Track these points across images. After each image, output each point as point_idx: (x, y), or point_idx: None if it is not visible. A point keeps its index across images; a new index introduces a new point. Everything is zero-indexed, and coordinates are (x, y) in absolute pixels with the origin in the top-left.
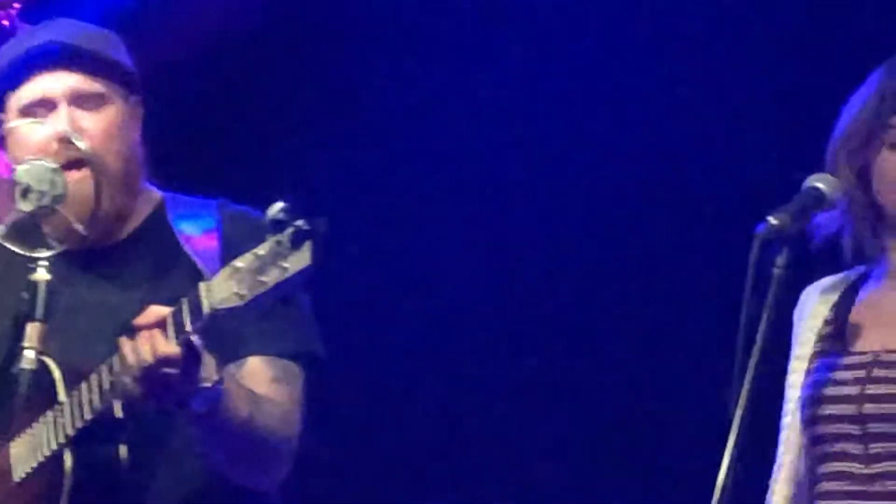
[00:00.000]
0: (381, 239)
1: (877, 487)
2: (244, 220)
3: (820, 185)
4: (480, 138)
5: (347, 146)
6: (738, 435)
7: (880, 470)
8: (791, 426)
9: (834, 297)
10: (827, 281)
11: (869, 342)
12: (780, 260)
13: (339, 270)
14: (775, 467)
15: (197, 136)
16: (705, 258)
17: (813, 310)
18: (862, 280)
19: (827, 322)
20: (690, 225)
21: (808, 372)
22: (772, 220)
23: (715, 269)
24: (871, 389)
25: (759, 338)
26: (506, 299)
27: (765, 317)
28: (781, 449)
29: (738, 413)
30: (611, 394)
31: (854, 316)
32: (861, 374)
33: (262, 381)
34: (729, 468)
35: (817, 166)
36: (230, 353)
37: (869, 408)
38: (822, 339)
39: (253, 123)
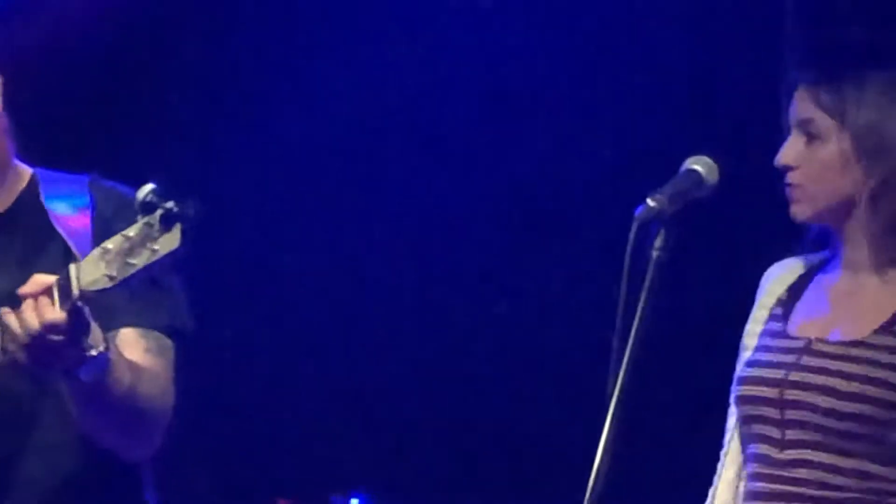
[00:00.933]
0: (252, 226)
1: (789, 474)
2: (116, 198)
3: (697, 168)
4: (353, 129)
5: (220, 129)
6: (614, 421)
7: (793, 457)
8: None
9: (791, 279)
10: (790, 261)
11: (806, 329)
12: (658, 242)
13: (210, 256)
14: (724, 443)
15: (70, 113)
16: (585, 241)
17: (769, 289)
18: (822, 265)
19: (779, 302)
20: (569, 209)
21: (756, 349)
22: (650, 202)
23: (594, 251)
24: (795, 376)
25: (636, 320)
26: (379, 289)
27: (642, 299)
28: (729, 423)
29: (615, 397)
30: (490, 381)
31: (803, 302)
32: (791, 359)
33: (136, 352)
34: (604, 453)
35: (695, 148)
36: (103, 324)
37: (791, 394)
38: (771, 318)
39: (126, 103)
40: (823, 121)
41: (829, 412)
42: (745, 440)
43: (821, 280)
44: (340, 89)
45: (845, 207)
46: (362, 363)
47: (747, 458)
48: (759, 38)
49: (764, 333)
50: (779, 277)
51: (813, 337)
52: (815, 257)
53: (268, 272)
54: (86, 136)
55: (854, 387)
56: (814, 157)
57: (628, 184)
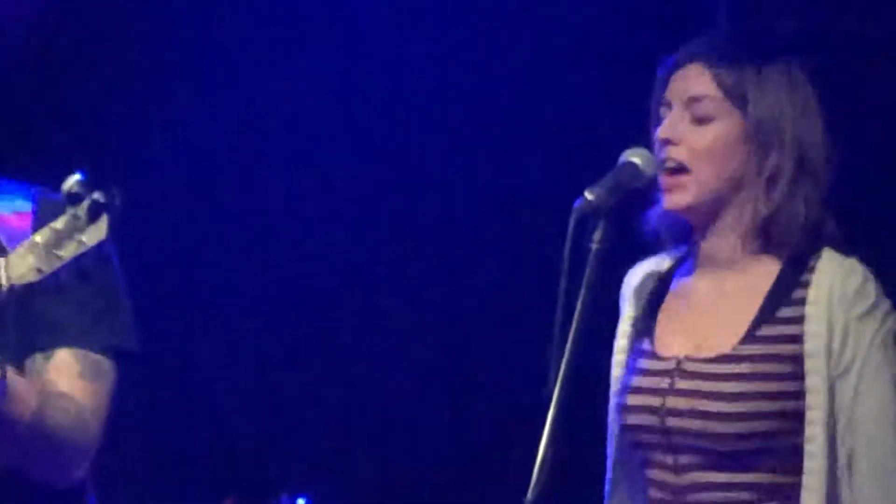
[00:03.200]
0: (189, 229)
1: (688, 498)
2: (60, 208)
3: (635, 160)
4: (294, 130)
5: (157, 129)
6: (556, 415)
7: (691, 481)
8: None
9: (651, 285)
10: (649, 263)
11: (673, 346)
12: (597, 235)
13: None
14: (608, 464)
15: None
16: (524, 234)
17: (631, 299)
18: (679, 263)
19: (642, 315)
20: (508, 204)
21: (624, 366)
22: (588, 195)
23: (533, 244)
24: (672, 402)
25: (576, 314)
26: (325, 291)
27: (582, 293)
28: (612, 447)
29: (556, 393)
30: (433, 380)
31: (665, 312)
32: (664, 383)
33: (67, 376)
34: (546, 449)
35: (634, 141)
36: (42, 341)
37: (672, 421)
38: (636, 335)
39: (55, 98)
40: (718, 101)
41: (714, 436)
42: (639, 465)
43: (678, 285)
44: (275, 89)
45: (728, 195)
46: (310, 365)
47: (643, 481)
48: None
49: (634, 352)
50: (639, 285)
51: (682, 356)
52: (672, 254)
53: (211, 274)
54: (10, 137)
55: (731, 406)
56: (702, 136)
57: (566, 177)
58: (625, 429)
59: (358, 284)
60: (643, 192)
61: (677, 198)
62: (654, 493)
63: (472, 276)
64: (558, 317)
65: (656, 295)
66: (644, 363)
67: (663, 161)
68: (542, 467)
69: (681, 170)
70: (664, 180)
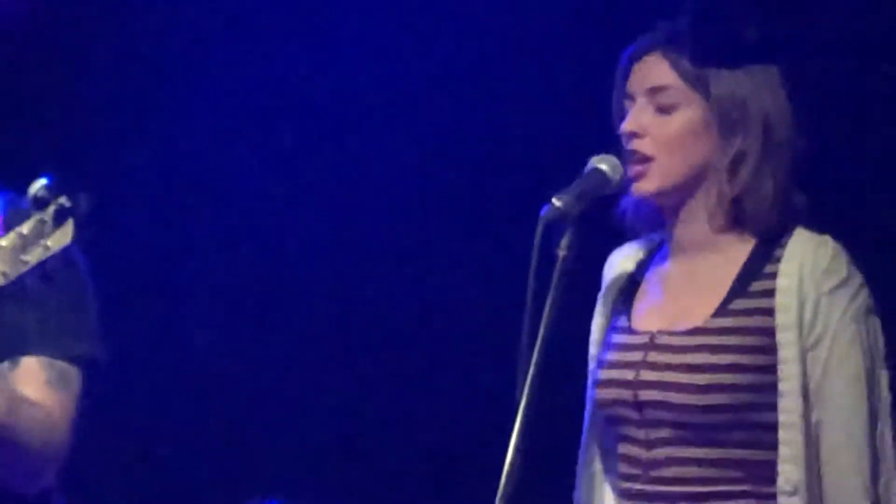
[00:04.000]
0: (150, 230)
1: (659, 473)
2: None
3: (602, 167)
4: (247, 130)
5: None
6: (524, 421)
7: (661, 455)
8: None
9: (632, 267)
10: (628, 248)
11: (648, 321)
12: (564, 242)
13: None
14: (583, 441)
15: None
16: (492, 242)
17: (612, 280)
18: (656, 249)
19: (621, 294)
20: (476, 211)
21: (601, 347)
22: (555, 202)
23: (502, 253)
24: (645, 375)
25: (544, 320)
26: (289, 294)
27: (550, 299)
28: (587, 423)
29: (524, 398)
30: (401, 387)
31: (642, 292)
32: (638, 357)
33: (34, 384)
34: (515, 454)
35: (603, 147)
36: (8, 348)
37: (644, 394)
38: (614, 313)
39: (25, 102)
40: (680, 88)
41: (684, 408)
42: (611, 440)
43: (655, 268)
44: (247, 90)
45: (695, 180)
46: (280, 370)
47: (615, 458)
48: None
49: (611, 329)
50: (620, 266)
51: (655, 330)
52: (651, 240)
53: (173, 276)
54: None
55: (702, 378)
56: (667, 126)
57: (534, 184)
58: (599, 404)
59: (328, 289)
60: (611, 199)
61: (644, 185)
62: (625, 469)
63: (440, 283)
64: (526, 323)
65: (636, 277)
66: (620, 338)
67: (630, 153)
68: (511, 471)
69: (646, 159)
70: (631, 169)
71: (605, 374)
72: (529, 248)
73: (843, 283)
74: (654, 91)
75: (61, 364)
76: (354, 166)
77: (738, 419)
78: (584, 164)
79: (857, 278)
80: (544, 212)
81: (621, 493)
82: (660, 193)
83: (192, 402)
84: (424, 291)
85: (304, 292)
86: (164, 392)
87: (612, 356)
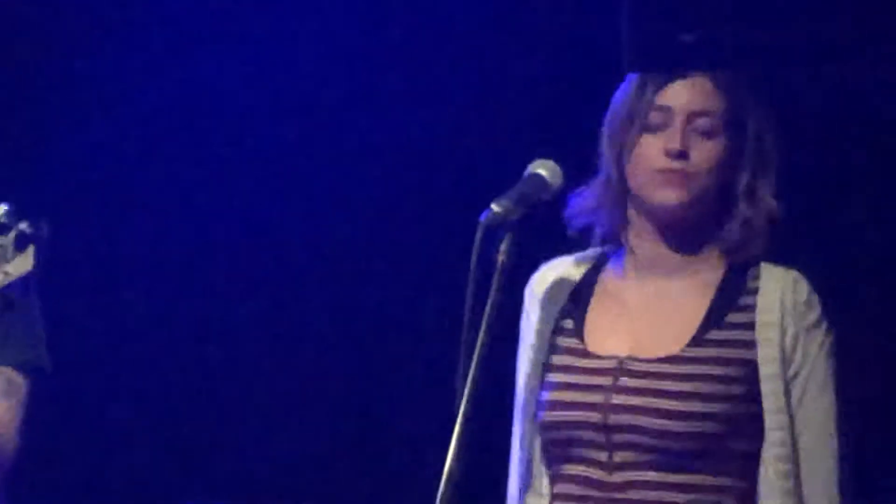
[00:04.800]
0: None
1: (622, 496)
2: None
3: (542, 172)
4: (176, 134)
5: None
6: (464, 425)
7: (624, 479)
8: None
9: (570, 283)
10: (563, 263)
11: (613, 345)
12: (503, 247)
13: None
14: (517, 468)
15: None
16: (431, 247)
17: (547, 295)
18: (601, 264)
19: (565, 313)
20: (416, 216)
21: (545, 367)
22: (494, 207)
23: (442, 258)
24: (617, 399)
25: (483, 325)
26: (219, 300)
27: (489, 304)
28: (518, 444)
29: (464, 401)
30: (338, 390)
31: (595, 311)
32: (607, 381)
33: None
34: (455, 458)
35: (543, 152)
36: None
37: (615, 418)
38: (561, 332)
39: None
40: (723, 117)
41: (660, 433)
42: (558, 461)
43: (608, 285)
44: (166, 93)
45: (712, 201)
46: (221, 373)
47: (561, 479)
48: (600, 43)
49: (558, 350)
50: (553, 286)
51: (624, 355)
52: (589, 255)
53: (120, 285)
54: None
55: (679, 405)
56: (709, 151)
57: (473, 189)
58: (551, 425)
59: (264, 296)
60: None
61: (677, 193)
62: (576, 490)
63: (378, 288)
64: (465, 328)
65: (584, 294)
66: (575, 361)
67: (667, 168)
68: (449, 480)
69: (685, 179)
70: (665, 178)
71: (559, 396)
72: (469, 253)
73: (820, 320)
74: (697, 115)
75: (7, 371)
76: (298, 166)
77: (710, 447)
78: (525, 167)
79: (825, 317)
80: (484, 217)
81: None
82: (686, 205)
83: (134, 409)
84: (366, 298)
85: (243, 300)
86: (106, 400)
87: (569, 378)
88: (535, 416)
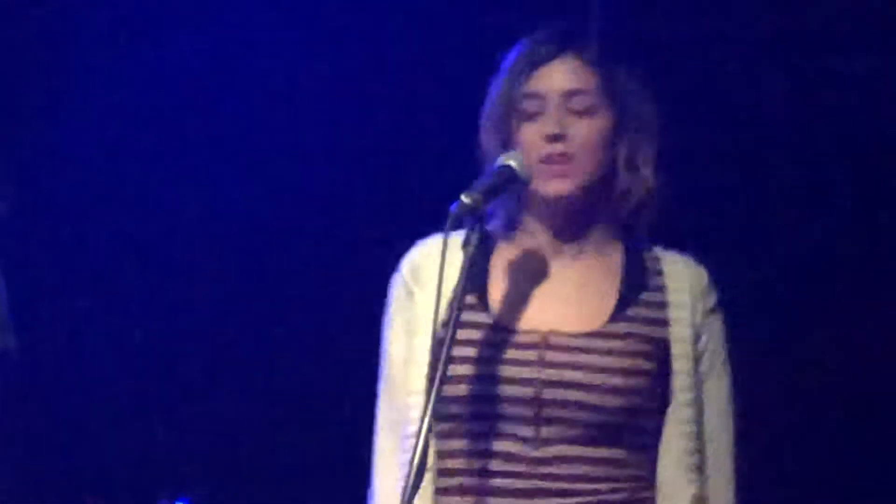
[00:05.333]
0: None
1: (547, 470)
2: None
3: (511, 163)
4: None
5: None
6: (430, 411)
7: (549, 454)
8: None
9: (457, 261)
10: (439, 243)
11: (532, 321)
12: (473, 238)
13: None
14: (390, 444)
15: None
16: (400, 238)
17: (443, 273)
18: (492, 243)
19: (463, 289)
20: (382, 206)
21: (453, 342)
22: (464, 198)
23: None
24: (547, 374)
25: (451, 316)
26: (181, 290)
27: (458, 291)
28: (404, 426)
29: (432, 393)
30: (303, 384)
31: (498, 288)
32: (532, 355)
33: None
34: (422, 449)
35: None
36: None
37: (549, 392)
38: (463, 307)
39: None
40: (596, 93)
41: (588, 407)
42: (463, 436)
43: (510, 263)
44: (122, 88)
45: (601, 183)
46: (189, 368)
47: (477, 455)
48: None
49: (463, 325)
50: (441, 261)
51: (546, 330)
52: (461, 234)
53: (84, 278)
54: None
55: (607, 379)
56: (585, 129)
57: (444, 180)
58: (474, 399)
59: (218, 288)
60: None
61: (563, 185)
62: (498, 467)
63: (340, 278)
64: (435, 315)
65: (479, 271)
66: (490, 336)
67: (549, 154)
68: (419, 469)
69: (566, 159)
70: (549, 169)
71: (475, 370)
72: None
73: (719, 303)
74: (571, 94)
75: None
76: (260, 166)
77: (629, 421)
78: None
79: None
80: (453, 208)
81: (496, 490)
82: (574, 194)
83: (101, 401)
84: (329, 291)
85: (207, 289)
86: (72, 391)
87: (484, 352)
88: (437, 390)
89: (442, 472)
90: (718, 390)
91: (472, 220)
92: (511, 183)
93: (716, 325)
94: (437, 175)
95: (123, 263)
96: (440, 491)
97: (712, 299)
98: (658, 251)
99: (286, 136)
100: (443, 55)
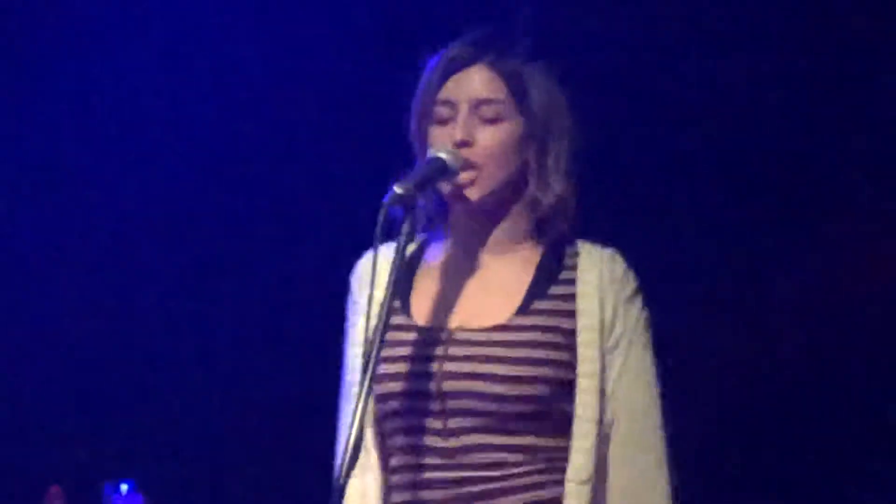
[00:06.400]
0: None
1: (458, 460)
2: None
3: (442, 156)
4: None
5: None
6: (364, 396)
7: (460, 444)
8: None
9: (387, 270)
10: (385, 249)
11: (441, 319)
12: (406, 227)
13: None
14: (345, 435)
15: None
16: (334, 227)
17: (373, 280)
18: (424, 247)
19: (391, 293)
20: (316, 195)
21: (379, 344)
22: (397, 188)
23: (344, 236)
24: (450, 367)
25: (383, 302)
26: (145, 280)
27: (389, 281)
28: (350, 418)
29: (367, 378)
30: (249, 370)
31: (419, 290)
32: (439, 351)
33: None
34: (358, 429)
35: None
36: None
37: (449, 384)
38: (390, 310)
39: None
40: (505, 102)
41: (492, 397)
42: (395, 433)
43: (433, 265)
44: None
45: (511, 188)
46: (136, 353)
47: (399, 451)
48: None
49: (387, 328)
50: (379, 267)
51: (453, 327)
52: (397, 244)
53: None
54: None
55: (508, 370)
56: (493, 137)
57: (377, 173)
58: (391, 396)
59: (179, 277)
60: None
61: (472, 192)
62: (414, 460)
63: (281, 266)
64: (367, 327)
65: (407, 275)
66: (406, 335)
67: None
68: (355, 448)
69: (472, 167)
70: (459, 176)
71: (393, 368)
72: (372, 232)
73: (635, 293)
74: (480, 103)
75: None
76: (207, 160)
77: (537, 410)
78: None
79: (641, 290)
80: (386, 198)
81: (416, 483)
82: (482, 201)
83: (46, 385)
84: (269, 277)
85: (171, 281)
86: (19, 376)
87: (400, 351)
88: (370, 390)
89: (390, 470)
90: (636, 377)
91: (404, 210)
92: (441, 174)
93: (632, 312)
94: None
95: (72, 252)
96: (392, 487)
97: (629, 288)
98: (580, 245)
99: (266, 135)
100: (379, 55)
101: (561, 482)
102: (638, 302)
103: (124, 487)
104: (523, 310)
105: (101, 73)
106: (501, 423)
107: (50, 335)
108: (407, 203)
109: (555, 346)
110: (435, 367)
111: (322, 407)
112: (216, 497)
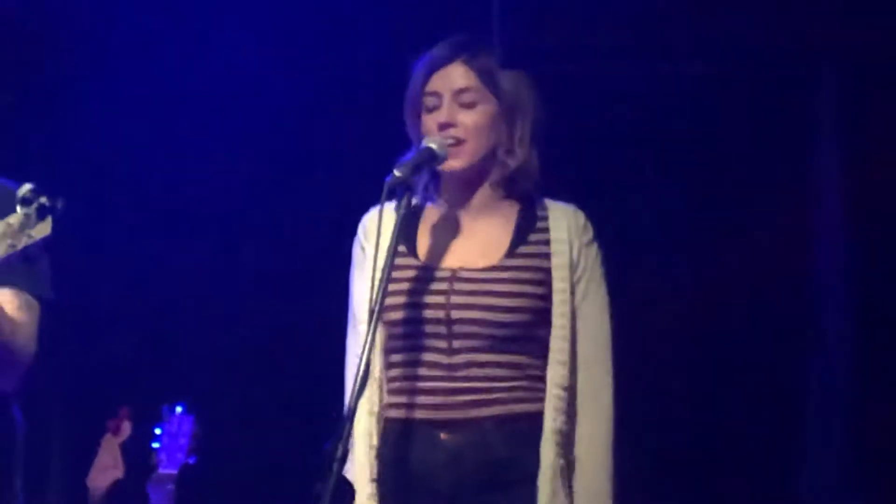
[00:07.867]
0: None
1: (459, 373)
2: (2, 191)
3: (432, 145)
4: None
5: None
6: (372, 331)
7: (461, 360)
8: (363, 325)
9: (391, 223)
10: (387, 208)
11: (445, 261)
12: (403, 202)
13: None
14: (355, 362)
15: None
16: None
17: (381, 232)
18: (420, 207)
19: (398, 241)
20: (325, 185)
21: (388, 280)
22: (395, 171)
23: (355, 210)
24: (456, 299)
25: (385, 268)
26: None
27: (392, 242)
28: (360, 348)
29: (367, 341)
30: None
31: (423, 239)
32: (445, 286)
33: (12, 306)
34: (366, 362)
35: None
36: None
37: (455, 313)
38: (396, 255)
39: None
40: (479, 89)
41: (490, 323)
42: (404, 350)
43: (433, 220)
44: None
45: (489, 157)
46: (193, 292)
47: (407, 365)
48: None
49: (396, 268)
50: (385, 223)
51: (456, 267)
52: (397, 206)
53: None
54: None
55: (500, 301)
56: (471, 117)
57: (379, 157)
58: (403, 321)
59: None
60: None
61: (457, 162)
62: (424, 372)
63: (287, 236)
64: (375, 266)
65: (410, 228)
66: (414, 273)
67: (445, 139)
68: (363, 378)
69: (458, 143)
70: (448, 151)
71: (405, 299)
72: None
73: (594, 238)
74: (459, 91)
75: (26, 295)
76: (202, 154)
77: (523, 333)
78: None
79: (596, 236)
80: (388, 179)
81: (423, 391)
82: (467, 168)
83: (114, 326)
84: (271, 245)
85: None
86: (92, 320)
87: (411, 286)
88: (379, 318)
89: (388, 380)
90: (594, 304)
91: (402, 188)
92: (431, 160)
93: (591, 254)
94: (380, 154)
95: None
96: (388, 392)
97: (588, 235)
98: (547, 203)
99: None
100: (359, 55)
101: (540, 396)
102: (595, 244)
103: (178, 409)
104: (510, 253)
105: (123, 77)
106: (494, 344)
107: (123, 290)
108: (404, 182)
109: (536, 283)
110: (442, 298)
111: (338, 338)
112: (249, 415)
